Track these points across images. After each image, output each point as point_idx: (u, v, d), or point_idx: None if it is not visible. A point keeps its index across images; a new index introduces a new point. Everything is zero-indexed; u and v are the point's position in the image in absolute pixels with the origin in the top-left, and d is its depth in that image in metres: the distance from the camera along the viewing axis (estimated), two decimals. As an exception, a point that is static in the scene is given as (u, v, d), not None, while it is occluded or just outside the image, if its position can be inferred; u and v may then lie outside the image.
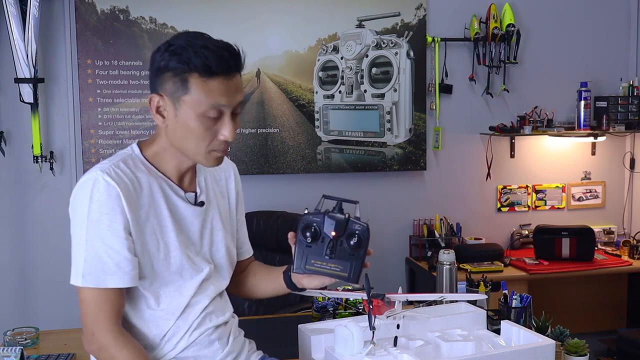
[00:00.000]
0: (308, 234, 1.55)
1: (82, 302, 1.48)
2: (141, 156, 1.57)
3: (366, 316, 1.64)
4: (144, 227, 1.51)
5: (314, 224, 1.56)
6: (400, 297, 1.73)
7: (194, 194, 1.63)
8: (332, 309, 2.43)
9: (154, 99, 1.51)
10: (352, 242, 1.55)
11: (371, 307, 1.60)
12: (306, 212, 1.58)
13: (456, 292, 2.47)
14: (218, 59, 1.46)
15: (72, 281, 1.49)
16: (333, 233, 1.54)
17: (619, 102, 3.96)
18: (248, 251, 1.87)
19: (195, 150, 1.51)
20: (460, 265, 3.39)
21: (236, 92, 1.50)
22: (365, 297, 1.63)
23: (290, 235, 1.60)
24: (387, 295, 1.66)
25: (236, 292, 1.87)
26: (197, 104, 1.46)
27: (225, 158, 1.69)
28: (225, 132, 1.50)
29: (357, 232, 1.56)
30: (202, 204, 1.63)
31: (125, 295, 1.54)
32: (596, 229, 3.98)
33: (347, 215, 1.57)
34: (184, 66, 1.45)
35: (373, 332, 1.61)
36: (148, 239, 1.52)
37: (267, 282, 1.79)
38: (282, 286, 1.72)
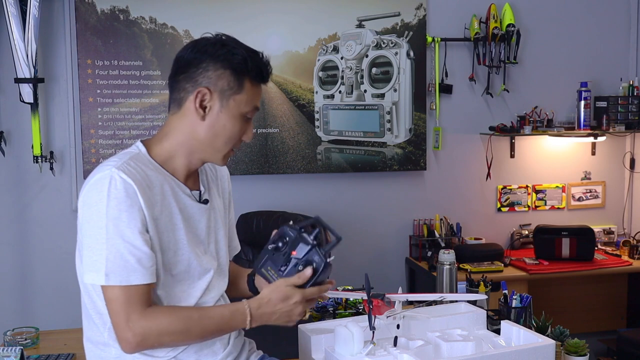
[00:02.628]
0: (276, 242, 1.59)
1: (110, 302, 1.47)
2: (147, 155, 1.58)
3: (366, 316, 1.64)
4: (158, 224, 1.52)
5: (286, 237, 1.58)
6: (400, 297, 1.73)
7: (198, 192, 1.65)
8: (332, 309, 2.43)
9: (202, 92, 1.54)
10: (302, 270, 1.56)
11: (371, 307, 1.61)
12: (290, 223, 1.61)
13: (456, 292, 2.48)
14: (265, 68, 1.63)
15: (93, 280, 1.47)
16: (293, 252, 1.56)
17: (619, 102, 3.96)
18: (235, 249, 1.89)
19: (221, 147, 1.59)
20: (460, 265, 3.39)
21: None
22: (365, 297, 1.63)
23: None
24: (387, 295, 1.67)
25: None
26: (244, 104, 1.57)
27: None
28: (249, 134, 1.63)
29: (313, 263, 1.56)
30: (206, 201, 1.66)
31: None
32: (596, 229, 3.98)
33: (313, 243, 1.56)
34: (243, 67, 1.56)
35: (373, 332, 1.61)
36: (161, 236, 1.52)
37: (232, 283, 1.79)
38: (245, 289, 1.79)
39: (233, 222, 1.87)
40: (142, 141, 1.62)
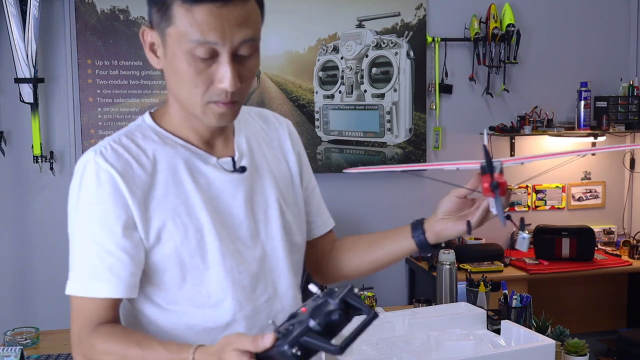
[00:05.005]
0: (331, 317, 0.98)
1: (71, 311, 1.21)
2: (154, 125, 1.25)
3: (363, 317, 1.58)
4: (163, 211, 1.18)
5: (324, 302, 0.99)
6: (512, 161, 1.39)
7: (230, 158, 1.26)
8: (332, 309, 2.42)
9: (145, 33, 1.19)
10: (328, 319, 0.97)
11: (497, 192, 1.16)
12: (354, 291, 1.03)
13: (456, 292, 2.48)
14: None
15: (66, 290, 1.20)
16: (303, 310, 1.00)
17: (619, 102, 3.96)
18: (326, 223, 1.47)
19: (189, 100, 1.15)
20: (460, 265, 3.39)
21: (236, 26, 1.10)
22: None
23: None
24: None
25: (322, 278, 1.50)
26: (181, 39, 1.10)
27: (275, 113, 1.43)
28: (222, 78, 1.11)
29: (331, 317, 0.97)
30: (243, 169, 1.26)
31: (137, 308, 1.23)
32: (596, 229, 3.98)
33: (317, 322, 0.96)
34: None
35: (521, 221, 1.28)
36: (171, 227, 1.18)
37: (382, 247, 1.39)
38: (407, 245, 1.34)
39: (314, 188, 1.45)
40: (151, 112, 1.29)
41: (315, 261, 1.47)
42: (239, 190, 1.25)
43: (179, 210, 1.19)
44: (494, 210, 1.20)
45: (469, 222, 1.26)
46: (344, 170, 1.22)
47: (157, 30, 1.15)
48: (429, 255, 1.42)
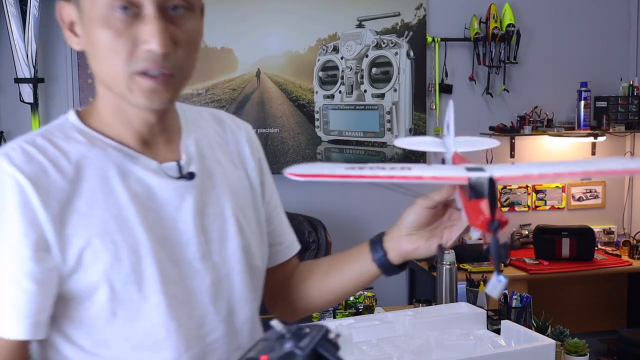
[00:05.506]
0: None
1: None
2: (79, 123, 1.00)
3: (364, 317, 1.62)
4: (87, 227, 0.93)
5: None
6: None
7: (175, 163, 1.02)
8: (332, 308, 2.43)
9: (62, 9, 0.98)
10: None
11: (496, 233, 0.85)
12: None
13: (456, 292, 2.48)
14: None
15: None
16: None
17: (619, 102, 3.96)
18: (291, 246, 1.24)
19: (111, 75, 0.93)
20: (460, 265, 3.39)
21: None
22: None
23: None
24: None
25: (281, 312, 1.25)
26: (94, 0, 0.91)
27: (233, 116, 1.18)
28: (147, 37, 0.89)
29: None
30: (191, 175, 1.02)
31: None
32: (596, 229, 3.98)
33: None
34: None
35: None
36: (98, 246, 0.93)
37: (340, 273, 1.15)
38: (368, 269, 1.10)
39: (277, 204, 1.21)
40: (78, 109, 1.04)
41: (271, 292, 1.21)
42: (186, 201, 1.00)
43: (109, 227, 0.93)
44: (474, 235, 0.91)
45: (440, 246, 1.01)
46: (287, 174, 0.86)
47: (73, 1, 0.96)
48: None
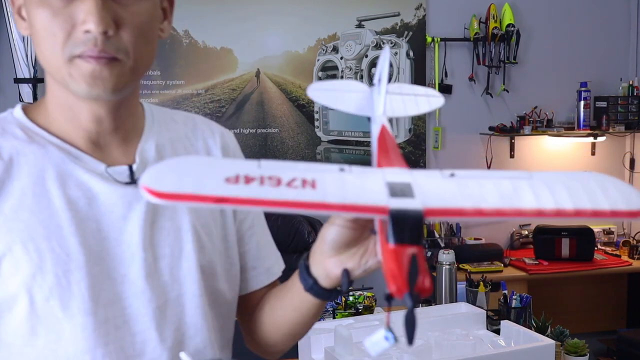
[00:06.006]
0: None
1: None
2: (23, 118, 0.92)
3: (365, 317, 1.63)
4: (9, 231, 0.83)
5: None
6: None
7: (127, 167, 0.91)
8: (331, 309, 2.43)
9: None
10: None
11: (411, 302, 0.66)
12: None
13: (456, 293, 2.47)
14: None
15: None
16: None
17: (619, 102, 3.96)
18: (267, 273, 1.07)
19: (50, 60, 0.84)
20: (460, 266, 3.39)
21: None
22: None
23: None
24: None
25: (255, 349, 1.10)
26: None
27: (210, 121, 1.08)
28: (85, 16, 0.80)
29: None
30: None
31: None
32: (596, 229, 3.98)
33: None
34: None
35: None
36: (19, 254, 0.83)
37: (282, 304, 0.99)
38: (304, 299, 0.90)
39: (256, 227, 1.06)
40: (26, 104, 0.96)
41: (244, 324, 1.08)
42: (133, 210, 0.88)
43: (35, 232, 0.83)
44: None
45: (346, 272, 0.79)
46: (141, 187, 0.57)
47: None
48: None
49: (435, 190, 0.62)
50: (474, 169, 0.65)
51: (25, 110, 0.93)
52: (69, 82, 0.83)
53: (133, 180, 0.89)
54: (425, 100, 0.87)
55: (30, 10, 0.83)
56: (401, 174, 0.65)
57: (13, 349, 0.84)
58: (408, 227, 0.58)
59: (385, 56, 0.79)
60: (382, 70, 0.79)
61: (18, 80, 3.30)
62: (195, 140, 1.01)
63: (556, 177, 0.64)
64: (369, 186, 0.61)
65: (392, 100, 0.81)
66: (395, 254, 0.58)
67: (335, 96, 0.86)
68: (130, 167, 0.90)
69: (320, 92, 0.85)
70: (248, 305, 1.06)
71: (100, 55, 0.81)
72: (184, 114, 1.07)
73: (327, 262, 0.81)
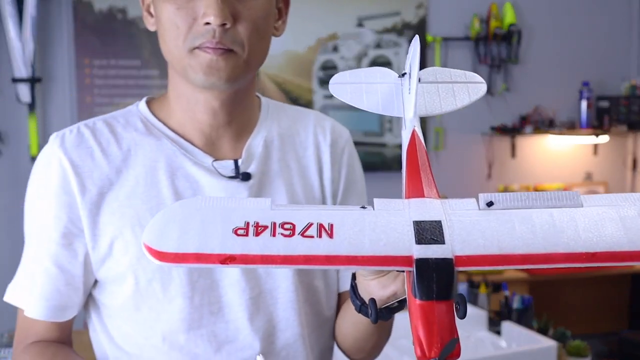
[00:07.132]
0: None
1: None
2: (146, 111, 0.99)
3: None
4: (122, 217, 0.91)
5: None
6: None
7: (232, 161, 0.96)
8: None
9: None
10: None
11: None
12: None
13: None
14: None
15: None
16: None
17: (621, 102, 3.94)
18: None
19: (173, 51, 0.90)
20: (461, 266, 3.37)
21: None
22: None
23: None
24: None
25: (345, 351, 1.07)
26: None
27: (329, 118, 1.10)
28: (206, 10, 0.86)
29: None
30: (246, 176, 0.95)
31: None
32: (598, 229, 3.96)
33: None
34: None
35: None
36: (128, 237, 0.91)
37: (345, 314, 1.02)
38: (355, 316, 0.89)
39: None
40: (151, 97, 1.04)
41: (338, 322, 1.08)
42: None
43: (143, 219, 0.90)
44: None
45: (373, 301, 0.72)
46: (143, 244, 0.57)
47: None
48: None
49: (471, 229, 0.53)
50: (514, 192, 0.57)
51: (149, 103, 1.00)
52: (188, 72, 0.90)
53: (237, 175, 0.95)
54: (464, 89, 0.80)
55: (157, 6, 0.91)
56: (431, 208, 0.58)
57: (120, 321, 0.94)
58: (436, 280, 0.50)
59: (415, 47, 0.72)
60: (412, 63, 0.70)
61: (15, 80, 3.29)
62: (306, 136, 1.04)
63: (609, 201, 0.56)
64: (393, 228, 0.55)
65: (424, 93, 0.74)
66: (422, 312, 0.51)
67: (360, 91, 0.80)
68: (236, 162, 0.96)
69: (343, 87, 0.81)
70: (338, 305, 1.06)
71: (217, 47, 0.87)
72: (299, 108, 1.11)
73: (368, 285, 0.79)
